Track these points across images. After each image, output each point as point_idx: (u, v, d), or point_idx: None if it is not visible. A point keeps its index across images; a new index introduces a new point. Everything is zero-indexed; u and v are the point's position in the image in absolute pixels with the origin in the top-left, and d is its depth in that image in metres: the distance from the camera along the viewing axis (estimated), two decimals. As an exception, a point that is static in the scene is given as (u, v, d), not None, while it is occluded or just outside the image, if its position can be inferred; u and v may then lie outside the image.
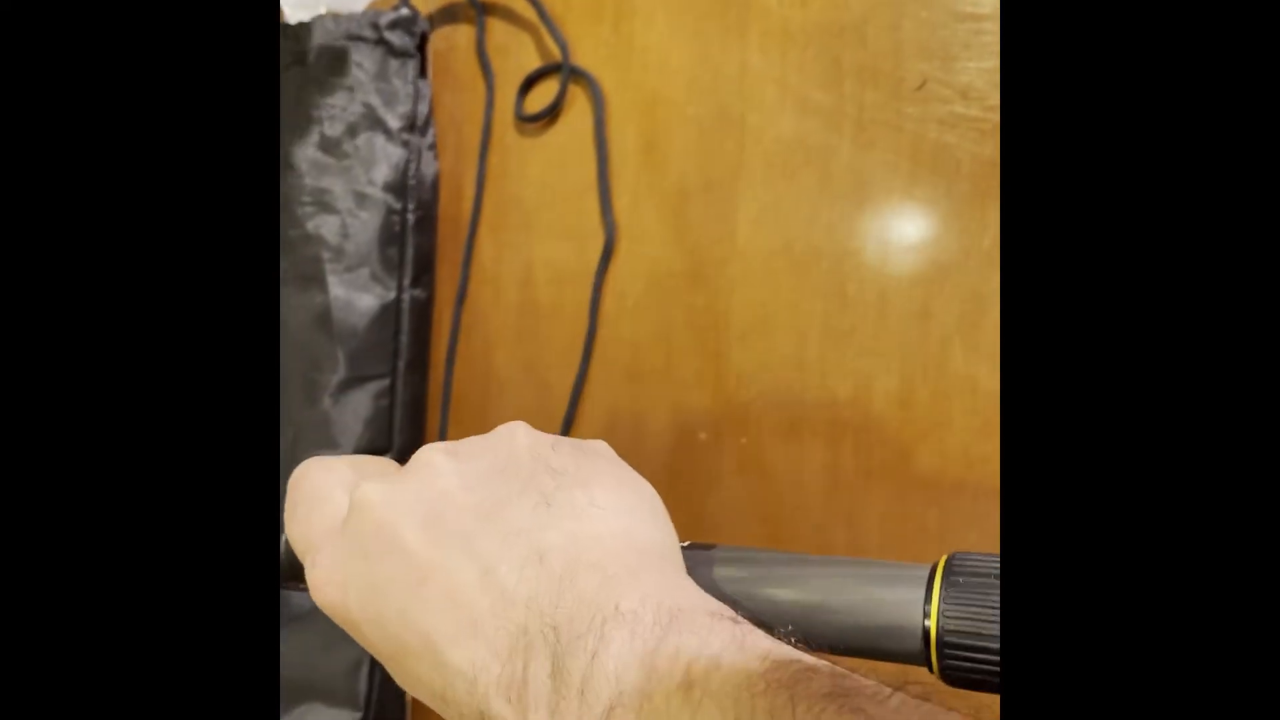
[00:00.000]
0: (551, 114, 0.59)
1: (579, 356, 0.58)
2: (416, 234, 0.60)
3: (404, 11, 0.58)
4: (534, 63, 0.60)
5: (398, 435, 0.60)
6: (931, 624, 0.27)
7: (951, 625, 0.26)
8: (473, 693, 0.27)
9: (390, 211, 0.59)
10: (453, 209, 0.64)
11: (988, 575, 0.27)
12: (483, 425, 0.62)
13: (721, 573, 0.30)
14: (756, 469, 0.51)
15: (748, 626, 0.26)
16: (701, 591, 0.28)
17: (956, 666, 0.26)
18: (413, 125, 0.60)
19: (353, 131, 0.58)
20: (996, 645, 0.26)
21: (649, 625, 0.25)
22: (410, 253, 0.60)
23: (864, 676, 0.23)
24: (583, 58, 0.58)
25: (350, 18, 0.58)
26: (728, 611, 0.27)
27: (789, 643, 0.25)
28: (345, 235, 0.58)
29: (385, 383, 0.60)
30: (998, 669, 0.26)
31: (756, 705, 0.22)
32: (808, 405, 0.49)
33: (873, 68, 0.49)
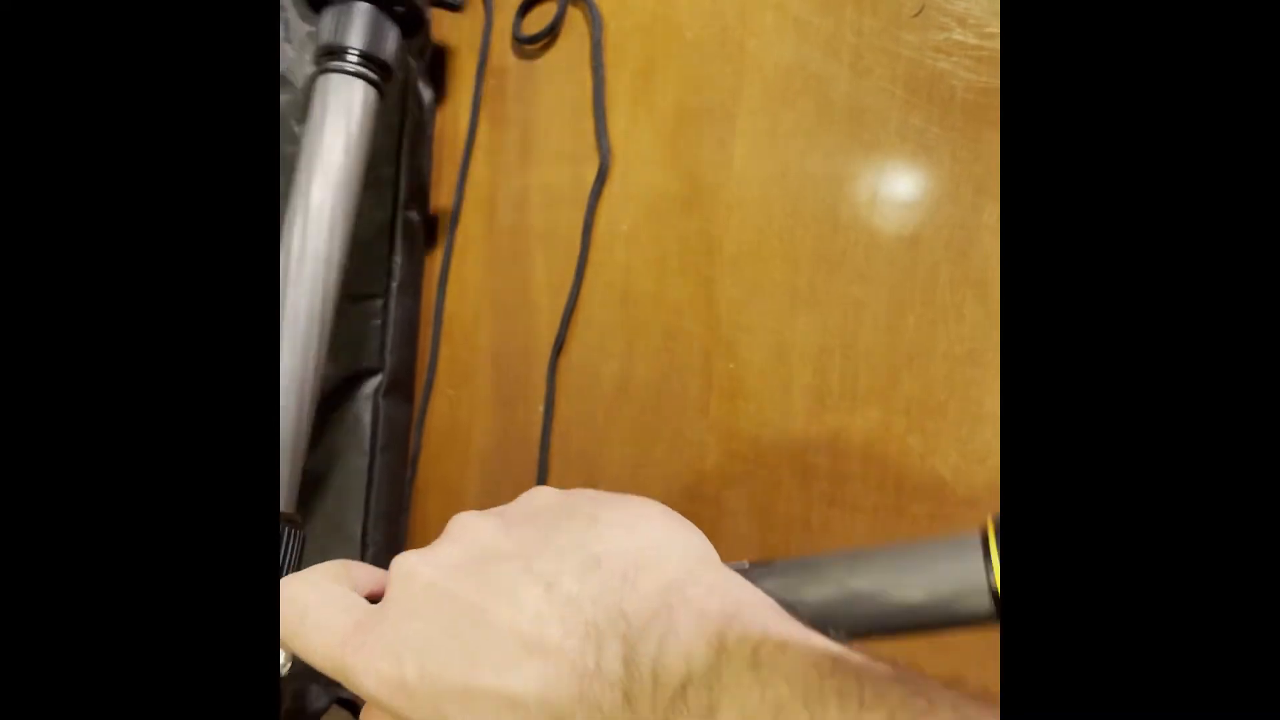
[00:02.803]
0: (550, 35, 0.59)
1: (571, 280, 0.58)
2: (411, 156, 0.60)
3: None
4: (533, -16, 0.60)
5: (389, 356, 0.61)
6: (997, 579, 0.28)
7: None
8: (544, 703, 0.27)
9: (386, 132, 0.59)
10: (448, 130, 0.64)
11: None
12: (474, 347, 0.63)
13: (766, 586, 0.31)
14: (742, 393, 0.52)
15: (807, 626, 0.26)
16: (758, 591, 0.29)
17: None
18: (409, 51, 0.59)
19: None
20: None
21: (715, 613, 0.26)
22: (405, 174, 0.60)
23: (916, 670, 0.24)
24: (582, -20, 0.58)
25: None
26: (787, 611, 0.28)
27: (843, 643, 0.26)
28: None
29: (378, 302, 0.60)
30: None
31: (825, 685, 0.23)
32: (796, 331, 0.50)
33: (872, -6, 0.49)
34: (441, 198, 0.64)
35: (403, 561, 0.31)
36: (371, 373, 0.61)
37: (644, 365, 0.56)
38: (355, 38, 0.48)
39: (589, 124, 0.58)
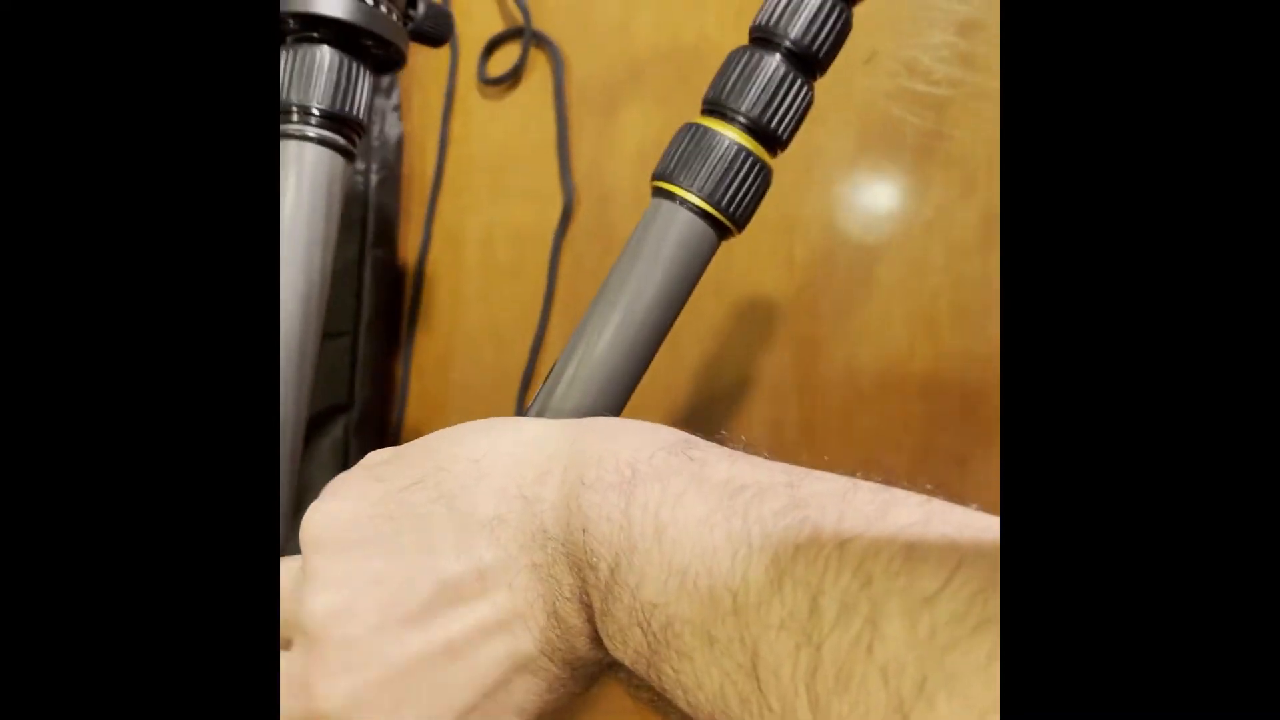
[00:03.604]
0: (513, 78, 0.60)
1: (538, 316, 0.59)
2: (379, 194, 0.61)
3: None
4: (497, 27, 0.61)
5: (359, 392, 0.62)
6: None
7: None
8: (530, 658, 0.28)
9: (354, 172, 0.60)
10: (416, 169, 0.65)
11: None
12: (444, 381, 0.64)
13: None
14: (705, 426, 0.53)
15: (703, 453, 0.27)
16: (645, 429, 0.29)
17: None
18: (376, 87, 0.60)
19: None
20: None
21: (615, 485, 0.26)
22: (373, 213, 0.61)
23: (824, 477, 0.24)
24: (544, 22, 0.59)
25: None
26: (682, 441, 0.28)
27: (745, 451, 0.26)
28: (309, 194, 0.59)
29: (347, 340, 0.61)
30: None
31: (716, 537, 0.24)
32: (756, 366, 0.51)
33: (824, 40, 0.50)
34: (410, 235, 0.65)
35: (304, 679, 0.29)
36: (342, 409, 0.62)
37: (610, 399, 0.57)
38: (321, 95, 0.38)
39: (552, 163, 0.59)
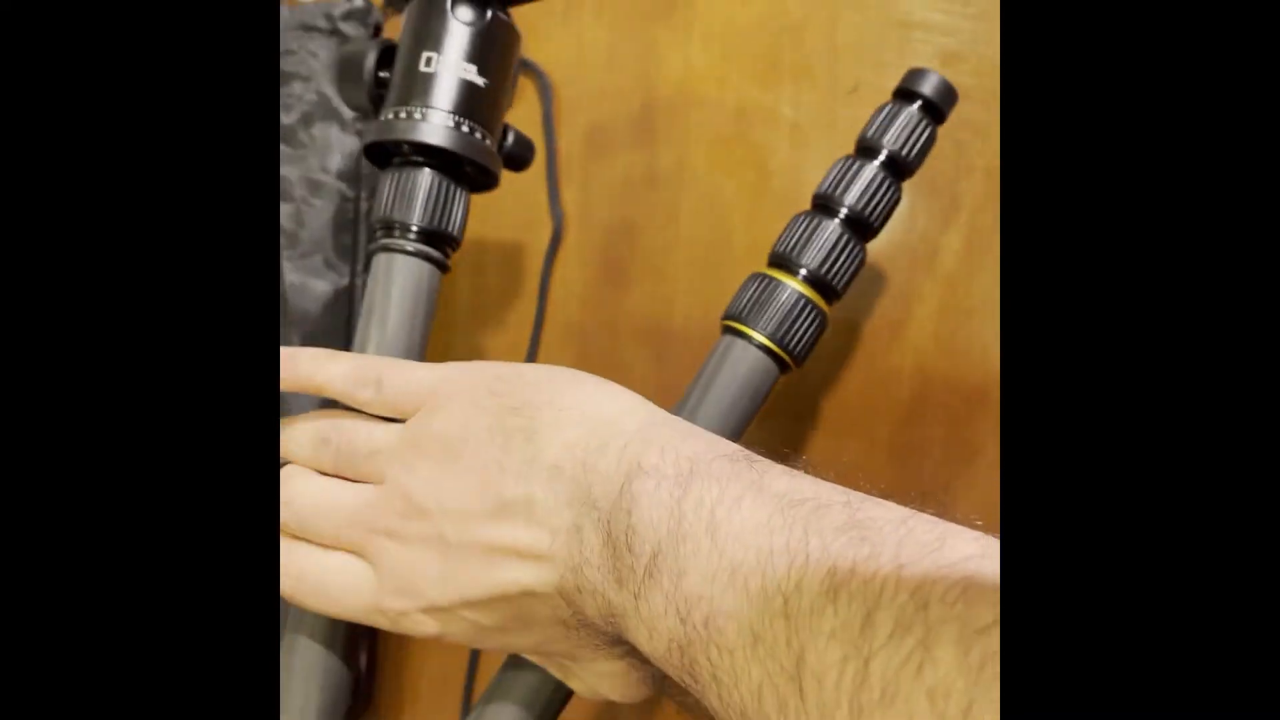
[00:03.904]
0: (502, 105, 0.60)
1: (527, 342, 0.60)
2: (370, 221, 0.62)
3: (358, 3, 0.59)
4: (486, 53, 0.62)
5: (352, 416, 0.62)
6: None
7: None
8: (549, 592, 0.30)
9: (344, 199, 0.60)
10: (406, 195, 0.65)
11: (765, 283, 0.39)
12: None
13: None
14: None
15: (764, 465, 0.28)
16: (713, 437, 0.31)
17: None
18: (367, 114, 0.61)
19: (307, 121, 0.59)
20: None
21: (671, 477, 0.28)
22: (364, 239, 0.61)
23: (881, 503, 0.26)
24: (532, 50, 0.60)
25: (304, 8, 0.59)
26: (743, 453, 0.29)
27: (805, 471, 0.28)
28: (300, 222, 0.59)
29: (339, 365, 0.61)
30: None
31: (774, 542, 0.25)
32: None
33: (809, 70, 0.51)
34: (401, 260, 0.65)
35: (375, 510, 0.33)
36: (334, 434, 0.62)
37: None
38: (419, 214, 0.42)
39: (541, 190, 0.59)
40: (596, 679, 0.35)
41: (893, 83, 0.49)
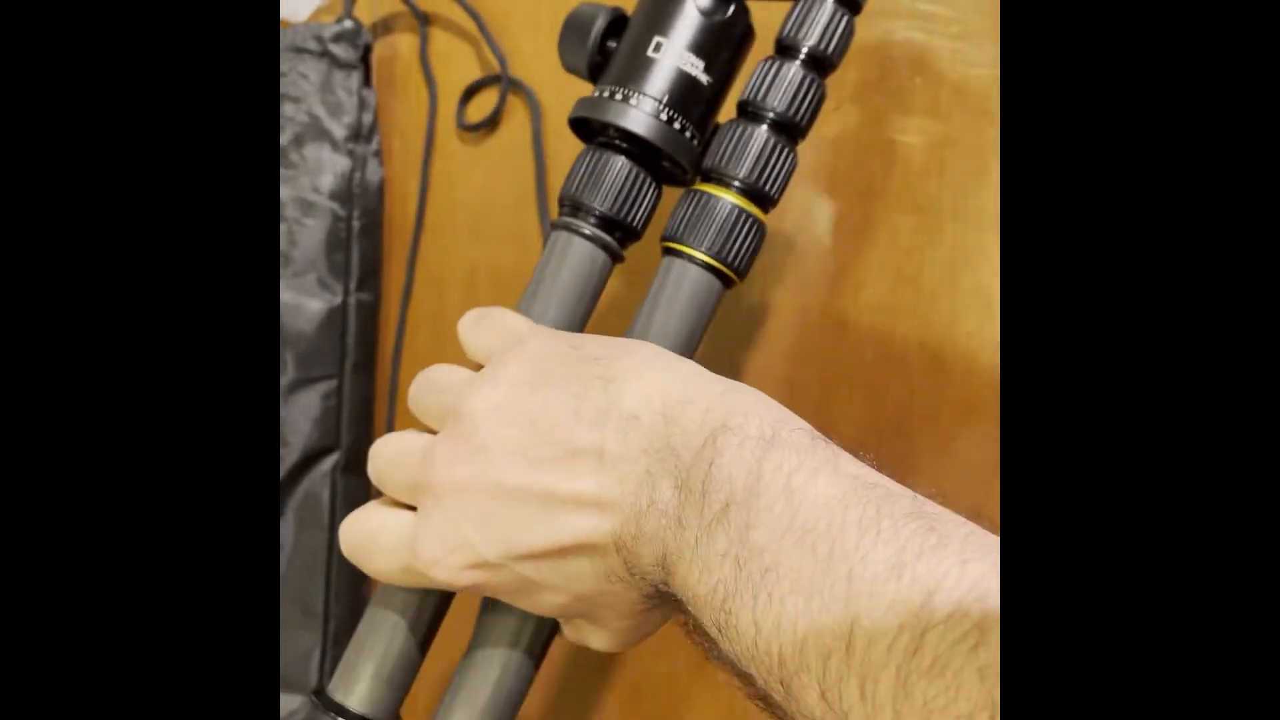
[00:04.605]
0: (491, 124, 0.61)
1: (520, 357, 0.60)
2: (362, 240, 0.63)
3: (347, 24, 0.60)
4: (475, 72, 0.62)
5: (345, 434, 0.63)
6: None
7: None
8: (606, 543, 0.31)
9: (336, 219, 0.61)
10: (398, 213, 0.66)
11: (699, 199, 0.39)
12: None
13: None
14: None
15: (837, 448, 0.30)
16: (785, 410, 0.32)
17: None
18: (357, 134, 0.62)
19: (299, 142, 0.60)
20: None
21: (755, 439, 0.29)
22: (356, 258, 0.62)
23: (942, 508, 0.27)
24: (521, 70, 0.61)
25: (294, 30, 0.60)
26: (818, 433, 0.30)
27: (873, 467, 0.29)
28: (292, 242, 0.60)
29: (333, 383, 0.62)
30: None
31: (848, 516, 0.26)
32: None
33: (793, 88, 0.51)
34: (393, 277, 0.66)
35: (434, 452, 0.33)
36: (329, 451, 0.63)
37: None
38: (603, 199, 0.41)
39: (531, 207, 0.60)
40: (593, 631, 0.36)
41: (875, 100, 0.50)
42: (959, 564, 0.24)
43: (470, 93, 0.62)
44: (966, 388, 0.47)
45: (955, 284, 0.48)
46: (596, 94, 0.41)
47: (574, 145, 0.59)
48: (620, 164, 0.41)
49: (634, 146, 0.41)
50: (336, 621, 0.63)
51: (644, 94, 0.39)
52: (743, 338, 0.53)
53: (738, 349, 0.53)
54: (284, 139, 0.60)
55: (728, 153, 0.39)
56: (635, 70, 0.40)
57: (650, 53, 0.40)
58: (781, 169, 0.39)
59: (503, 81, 0.60)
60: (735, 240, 0.38)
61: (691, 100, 0.40)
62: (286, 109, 0.60)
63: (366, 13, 0.64)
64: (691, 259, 0.39)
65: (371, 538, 0.35)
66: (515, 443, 0.32)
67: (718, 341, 0.53)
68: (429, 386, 0.37)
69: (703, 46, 0.40)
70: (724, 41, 0.40)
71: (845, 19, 0.39)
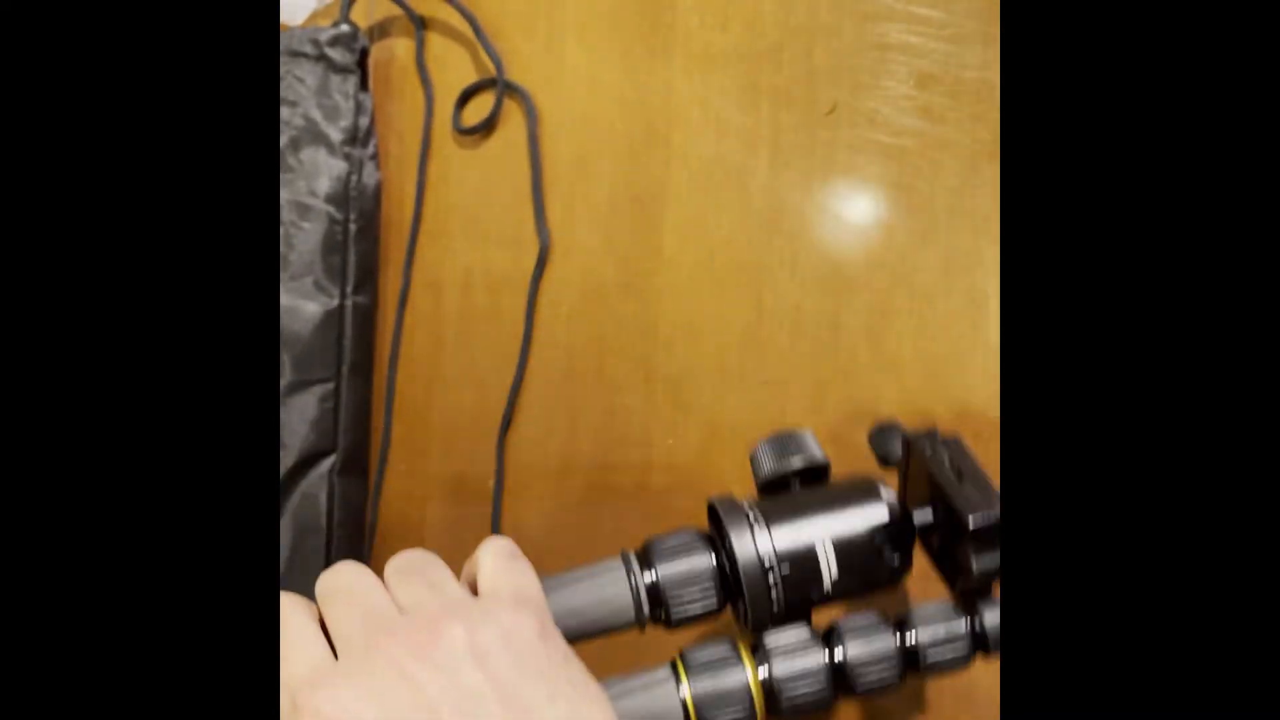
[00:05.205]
0: (487, 127, 0.61)
1: (516, 359, 0.61)
2: (358, 243, 0.63)
3: (344, 28, 0.60)
4: (471, 76, 0.63)
5: (342, 436, 0.63)
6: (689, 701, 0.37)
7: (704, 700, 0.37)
8: None
9: (333, 222, 0.61)
10: (395, 215, 0.66)
11: (724, 658, 0.38)
12: (425, 424, 0.65)
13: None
14: (681, 467, 0.55)
15: None
16: None
17: None
18: (354, 138, 0.62)
19: (295, 145, 0.60)
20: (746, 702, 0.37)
21: None
22: (352, 261, 0.62)
23: None
24: (517, 73, 0.61)
25: (290, 34, 0.60)
26: None
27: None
28: (289, 245, 0.60)
29: (330, 386, 0.62)
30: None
31: None
32: (727, 409, 0.53)
33: (788, 92, 0.52)
34: (390, 280, 0.66)
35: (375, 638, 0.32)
36: (326, 453, 0.63)
37: (587, 440, 0.58)
38: (667, 570, 0.41)
39: (527, 210, 0.60)
40: None
41: (869, 104, 0.51)
42: None
43: (466, 96, 0.62)
44: (961, 390, 0.47)
45: (949, 286, 0.48)
46: (746, 503, 0.40)
47: (570, 147, 0.60)
48: (705, 563, 0.40)
49: (729, 564, 0.40)
50: (334, 623, 0.63)
51: (773, 543, 0.39)
52: (738, 340, 0.53)
53: (733, 351, 0.53)
54: (281, 142, 0.60)
55: (783, 652, 0.38)
56: (793, 521, 0.39)
57: (809, 526, 0.39)
58: (805, 703, 0.38)
59: (499, 85, 0.60)
60: (721, 711, 0.37)
61: (804, 589, 0.39)
62: (283, 112, 0.60)
63: (363, 16, 0.64)
64: (679, 688, 0.38)
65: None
66: None
67: (712, 346, 0.54)
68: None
69: (851, 569, 0.39)
70: (870, 583, 0.40)
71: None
